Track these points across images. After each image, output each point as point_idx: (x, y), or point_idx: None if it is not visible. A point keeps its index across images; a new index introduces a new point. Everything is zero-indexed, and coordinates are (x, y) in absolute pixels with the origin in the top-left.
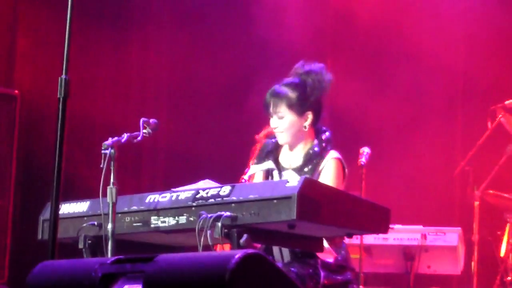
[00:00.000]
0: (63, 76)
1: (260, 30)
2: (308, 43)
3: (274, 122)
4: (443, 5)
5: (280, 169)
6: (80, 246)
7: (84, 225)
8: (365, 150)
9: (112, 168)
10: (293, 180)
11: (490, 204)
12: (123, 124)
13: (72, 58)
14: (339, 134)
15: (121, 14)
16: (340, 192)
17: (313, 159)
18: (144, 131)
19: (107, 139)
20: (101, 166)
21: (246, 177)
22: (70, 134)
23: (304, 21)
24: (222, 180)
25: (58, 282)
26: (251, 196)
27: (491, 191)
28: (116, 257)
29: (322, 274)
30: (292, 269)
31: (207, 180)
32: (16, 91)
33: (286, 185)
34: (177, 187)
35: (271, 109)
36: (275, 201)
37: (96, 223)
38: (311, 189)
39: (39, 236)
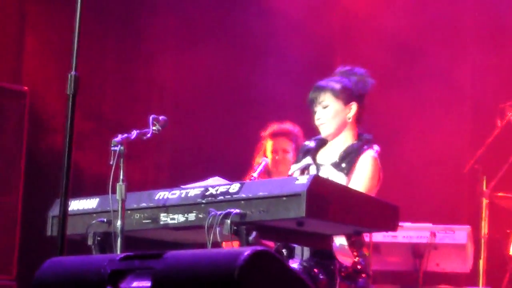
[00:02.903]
0: (72, 73)
1: (266, 28)
2: (316, 39)
3: (318, 113)
4: (452, 2)
5: (317, 165)
6: (89, 242)
7: (93, 221)
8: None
9: (121, 165)
10: (302, 178)
11: (499, 206)
12: (130, 120)
13: (81, 55)
14: None
15: (129, 12)
16: (349, 189)
17: (350, 154)
18: (154, 128)
19: (116, 136)
20: (110, 163)
21: (255, 174)
22: (79, 130)
23: (312, 19)
24: (226, 175)
25: (67, 279)
26: (260, 194)
27: (500, 194)
28: (125, 254)
29: (337, 281)
30: (307, 268)
31: (216, 177)
32: (25, 88)
33: (295, 182)
34: (183, 183)
35: (315, 102)
36: (284, 198)
37: (105, 219)
38: (320, 187)
39: (48, 233)
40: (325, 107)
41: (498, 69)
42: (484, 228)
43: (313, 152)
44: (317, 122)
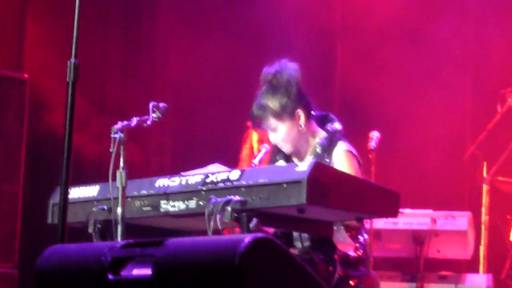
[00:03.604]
0: (72, 60)
1: (267, 18)
2: (317, 26)
3: (271, 137)
4: None
5: None
6: (90, 230)
7: (94, 209)
8: (375, 134)
9: (121, 152)
10: (302, 164)
11: (499, 190)
12: (132, 107)
13: (81, 42)
14: (349, 118)
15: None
16: (350, 176)
17: (322, 156)
18: (154, 115)
19: (116, 123)
20: (111, 150)
21: (256, 161)
22: (81, 117)
23: (312, 4)
24: (227, 162)
25: (68, 266)
26: (261, 181)
27: (500, 178)
28: (125, 241)
29: (338, 268)
30: (307, 255)
31: (216, 164)
32: (26, 75)
33: (296, 169)
34: (184, 170)
35: (261, 124)
36: (284, 185)
37: (105, 207)
38: (320, 173)
39: (49, 220)
40: (274, 130)
41: (500, 56)
42: (485, 214)
43: (285, 155)
44: (274, 143)
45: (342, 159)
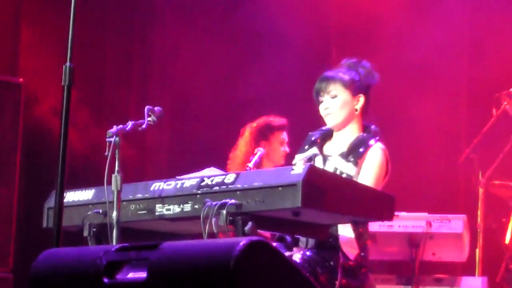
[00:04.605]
0: (67, 64)
1: (263, 24)
2: (312, 28)
3: (325, 103)
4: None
5: (324, 156)
6: (85, 234)
7: (89, 213)
8: None
9: (116, 156)
10: (298, 168)
11: (495, 194)
12: (128, 110)
13: (77, 46)
14: None
15: (128, 4)
16: (345, 179)
17: (360, 146)
18: (149, 119)
19: (111, 127)
20: (106, 154)
21: (250, 164)
22: (77, 121)
23: (307, 8)
24: (222, 166)
25: (63, 270)
26: (256, 184)
27: (496, 182)
28: (120, 245)
29: (339, 277)
30: (307, 260)
31: (212, 168)
32: (21, 79)
33: (291, 172)
34: (181, 174)
35: (322, 91)
36: (280, 188)
37: (101, 211)
38: (316, 177)
39: (44, 224)
40: (333, 97)
41: (495, 59)
42: (480, 217)
43: (319, 144)
44: (324, 112)
45: (376, 155)
